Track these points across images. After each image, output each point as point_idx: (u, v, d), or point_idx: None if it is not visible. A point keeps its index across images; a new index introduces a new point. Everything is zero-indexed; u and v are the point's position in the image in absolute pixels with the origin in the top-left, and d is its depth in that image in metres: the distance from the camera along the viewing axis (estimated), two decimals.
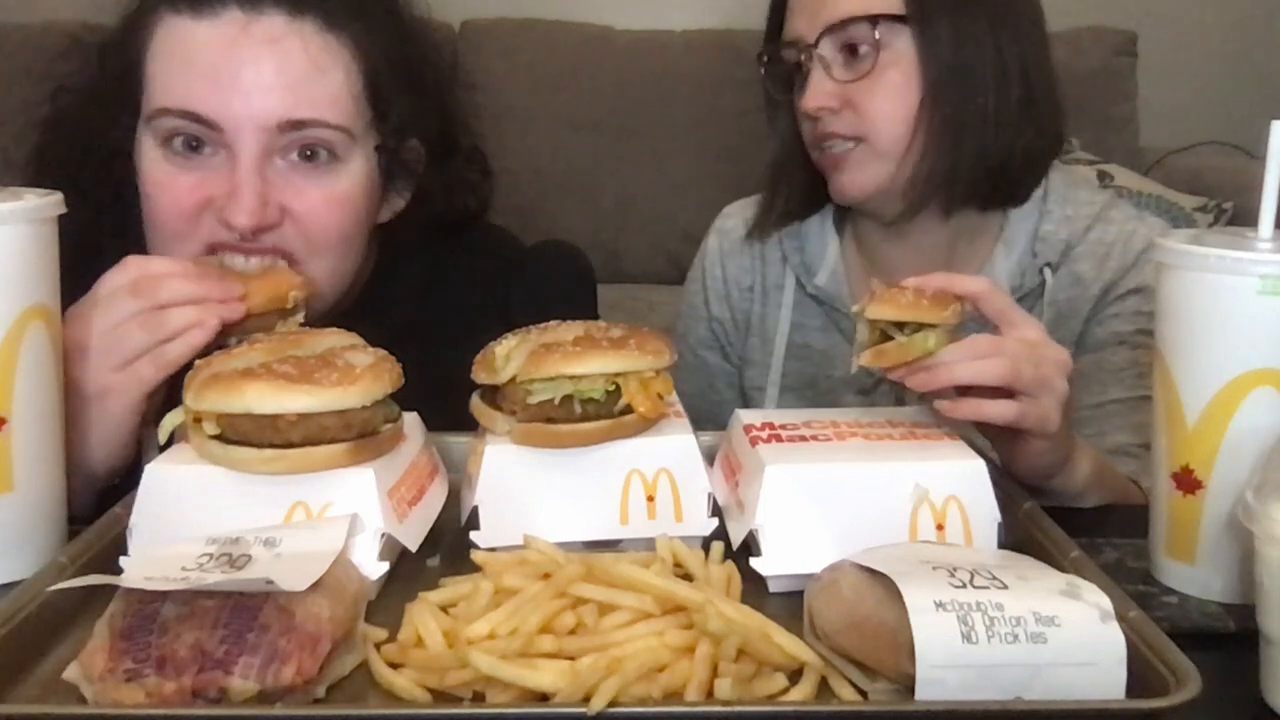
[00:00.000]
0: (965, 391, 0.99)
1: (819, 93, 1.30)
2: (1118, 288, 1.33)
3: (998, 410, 0.98)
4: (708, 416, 1.50)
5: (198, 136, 1.09)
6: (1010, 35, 1.30)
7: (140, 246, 1.14)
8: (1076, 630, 0.70)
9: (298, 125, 1.08)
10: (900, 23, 1.28)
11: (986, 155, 1.29)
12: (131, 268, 1.01)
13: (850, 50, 1.29)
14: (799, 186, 1.43)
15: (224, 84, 1.07)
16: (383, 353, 0.95)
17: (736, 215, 1.54)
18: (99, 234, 1.15)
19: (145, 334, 0.99)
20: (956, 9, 1.28)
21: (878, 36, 1.27)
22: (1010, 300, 1.03)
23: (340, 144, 1.11)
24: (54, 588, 0.81)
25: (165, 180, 1.10)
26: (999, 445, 1.06)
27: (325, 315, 1.17)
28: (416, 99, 1.18)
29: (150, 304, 0.99)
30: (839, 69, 1.30)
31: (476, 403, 0.97)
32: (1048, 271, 1.33)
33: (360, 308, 1.22)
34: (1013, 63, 1.30)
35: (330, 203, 1.11)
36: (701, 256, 1.56)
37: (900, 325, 0.96)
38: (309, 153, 1.10)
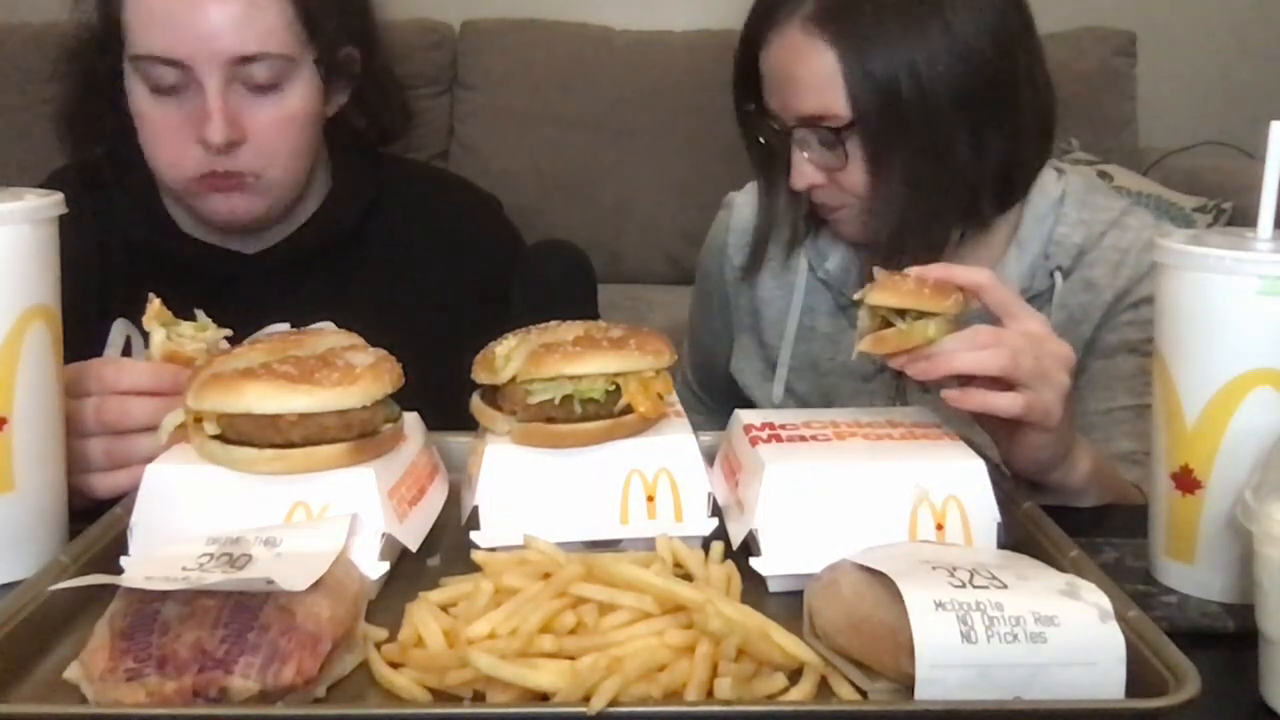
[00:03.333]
0: (967, 382, 0.99)
1: (802, 174, 1.29)
2: (1131, 295, 1.32)
3: (1004, 402, 0.98)
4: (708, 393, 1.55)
5: (171, 78, 1.28)
6: (985, 103, 1.25)
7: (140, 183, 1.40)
8: (1076, 630, 0.70)
9: (249, 59, 1.28)
10: (855, 129, 1.25)
11: (969, 199, 1.28)
12: (98, 383, 1.04)
13: (819, 140, 1.27)
14: (789, 220, 1.43)
15: (185, 30, 1.27)
16: (383, 353, 0.95)
17: (744, 200, 1.52)
18: (104, 173, 1.39)
19: (105, 459, 1.04)
20: (914, 102, 1.23)
21: (845, 137, 1.25)
22: (1012, 293, 1.03)
23: (285, 69, 1.31)
24: (55, 587, 0.81)
25: (154, 115, 1.31)
26: (999, 439, 1.07)
27: (289, 214, 1.41)
28: (342, 14, 1.40)
29: (114, 429, 1.04)
30: (817, 150, 1.28)
31: (476, 403, 0.98)
32: (1058, 275, 1.33)
33: (317, 217, 1.45)
34: (992, 129, 1.26)
35: (281, 121, 1.33)
36: (711, 232, 1.56)
37: (901, 313, 0.96)
38: (261, 82, 1.30)
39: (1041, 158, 1.36)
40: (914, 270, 0.98)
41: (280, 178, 1.35)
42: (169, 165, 1.32)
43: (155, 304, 1.07)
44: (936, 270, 0.99)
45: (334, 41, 1.38)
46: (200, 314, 1.10)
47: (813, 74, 1.25)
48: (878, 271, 0.99)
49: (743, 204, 1.51)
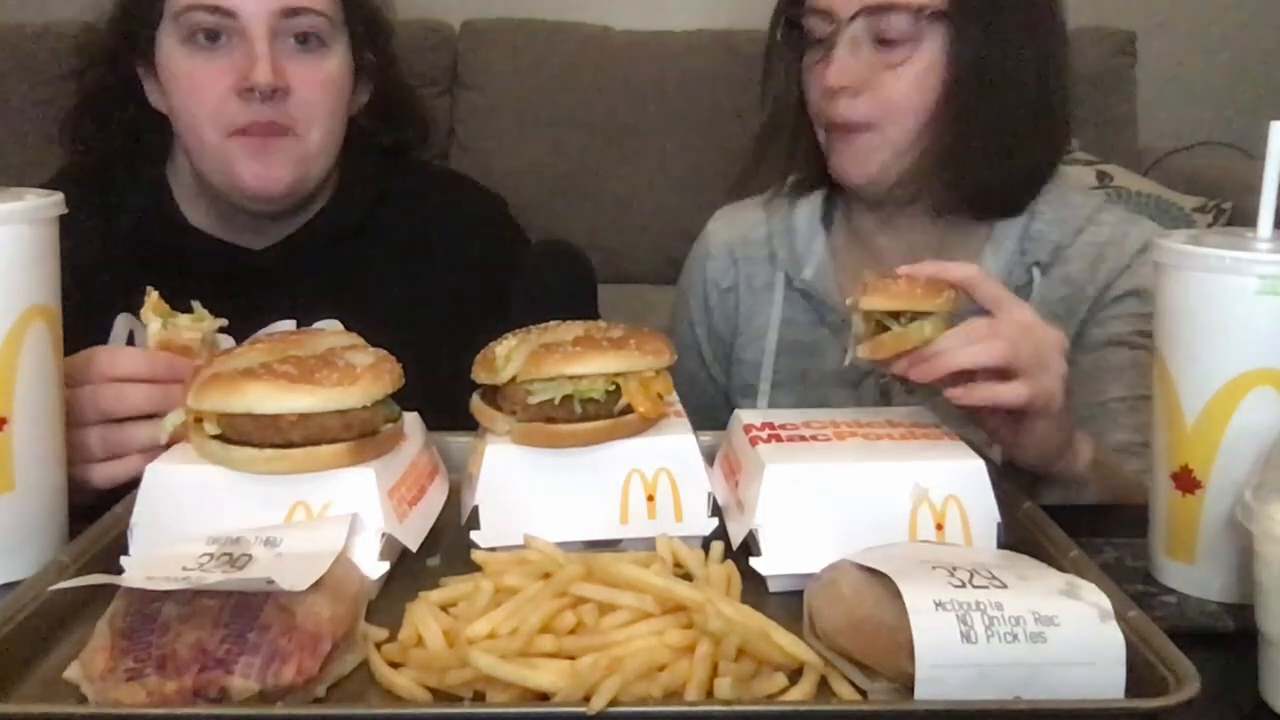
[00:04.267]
0: (968, 379, 0.99)
1: (843, 70, 1.28)
2: (1113, 289, 1.33)
3: (1010, 391, 0.98)
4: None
5: (216, 27, 1.32)
6: (1039, 45, 1.30)
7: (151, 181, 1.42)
8: (1076, 630, 0.70)
9: (295, 11, 1.33)
10: (940, 20, 1.27)
11: (991, 167, 1.29)
12: (94, 371, 1.04)
13: (879, 34, 1.27)
14: (787, 154, 1.43)
15: None
16: (383, 353, 0.95)
17: (724, 219, 1.54)
18: (114, 169, 1.41)
19: (102, 448, 1.04)
20: (995, 11, 1.28)
21: (917, 28, 1.26)
22: (1001, 285, 1.04)
23: (326, 29, 1.36)
24: (55, 587, 0.81)
25: (193, 69, 1.33)
26: (1002, 435, 1.07)
27: (302, 204, 1.43)
28: (372, 16, 1.46)
29: (110, 416, 1.04)
30: (867, 50, 1.28)
31: (477, 403, 0.98)
32: (1036, 271, 1.33)
33: (323, 213, 1.46)
34: (1034, 74, 1.30)
35: (322, 80, 1.37)
36: (689, 258, 1.58)
37: (895, 315, 0.97)
38: (303, 38, 1.35)
39: (1052, 169, 1.36)
40: (904, 270, 0.98)
41: (316, 142, 1.37)
42: (211, 118, 1.33)
43: (153, 296, 1.07)
44: (927, 268, 0.99)
45: (362, 33, 1.42)
46: (196, 305, 1.11)
47: None
48: (868, 275, 0.99)
49: (715, 231, 1.53)
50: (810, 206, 1.46)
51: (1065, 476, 1.09)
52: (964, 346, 0.96)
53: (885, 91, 1.28)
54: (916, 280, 0.97)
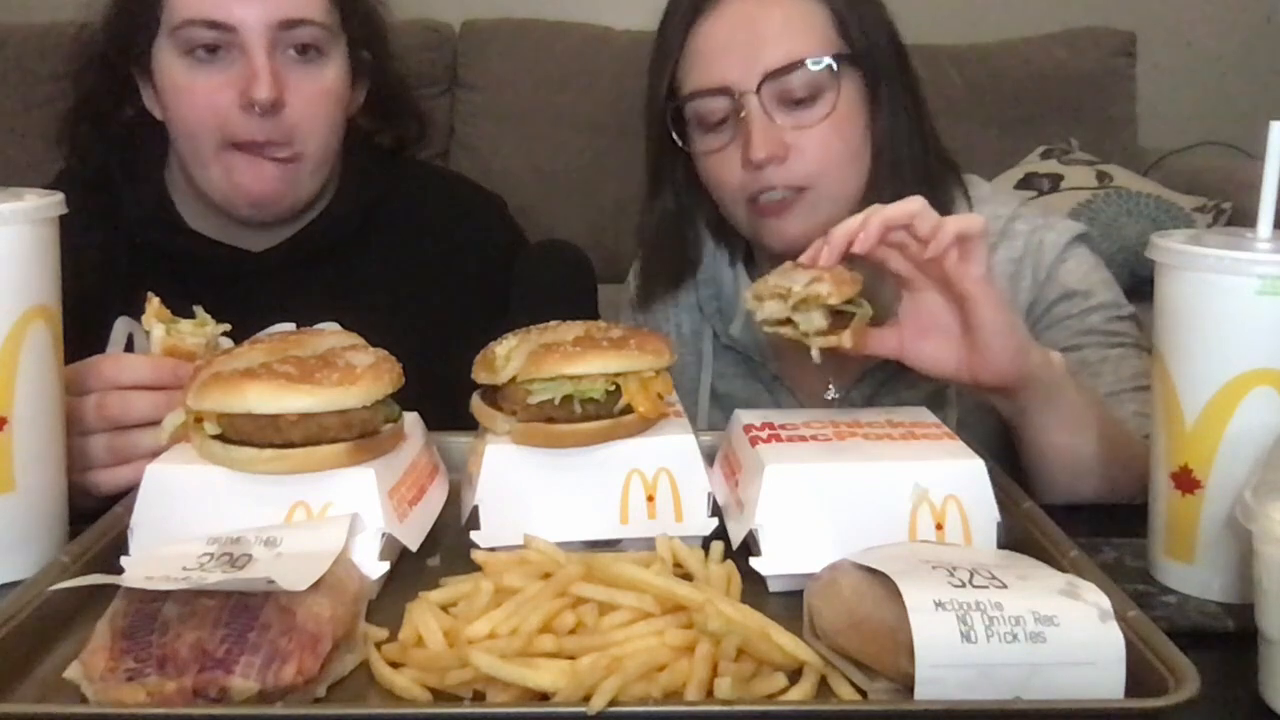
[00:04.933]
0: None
1: (767, 141, 1.23)
2: (1039, 304, 1.31)
3: (914, 204, 0.97)
4: None
5: (215, 42, 1.31)
6: (912, 70, 1.32)
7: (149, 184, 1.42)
8: (1075, 630, 0.71)
9: (293, 23, 1.32)
10: (844, 63, 1.25)
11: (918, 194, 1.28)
12: (98, 378, 1.04)
13: (788, 96, 1.24)
14: (696, 242, 1.40)
15: None
16: (383, 353, 0.95)
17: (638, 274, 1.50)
18: (112, 172, 1.41)
19: (108, 454, 1.05)
20: (879, 41, 1.28)
21: (823, 79, 1.24)
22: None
23: (324, 39, 1.36)
24: (55, 587, 0.81)
25: (192, 82, 1.33)
26: (968, 352, 1.03)
27: (300, 209, 1.42)
28: (367, 15, 1.46)
29: (117, 424, 1.04)
30: (780, 115, 1.25)
31: (477, 403, 0.98)
32: None
33: (323, 215, 1.46)
34: (924, 106, 1.32)
35: (320, 92, 1.37)
36: (621, 308, 1.55)
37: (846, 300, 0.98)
38: (302, 49, 1.34)
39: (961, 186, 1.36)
40: (822, 260, 0.97)
41: (313, 152, 1.37)
42: (208, 131, 1.33)
43: (154, 303, 1.07)
44: (838, 244, 0.97)
45: (359, 35, 1.43)
46: (199, 310, 1.11)
47: (788, 16, 1.25)
48: (794, 272, 0.98)
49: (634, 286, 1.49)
50: (733, 260, 1.42)
51: (1046, 381, 1.05)
52: (881, 211, 0.97)
53: (813, 151, 1.25)
54: (838, 259, 0.97)
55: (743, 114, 1.25)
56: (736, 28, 1.27)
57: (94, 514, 0.95)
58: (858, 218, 0.99)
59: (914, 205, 0.98)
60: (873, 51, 1.28)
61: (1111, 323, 1.30)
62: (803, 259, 0.99)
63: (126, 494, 0.98)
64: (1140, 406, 1.22)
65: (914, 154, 1.30)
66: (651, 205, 1.41)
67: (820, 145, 1.26)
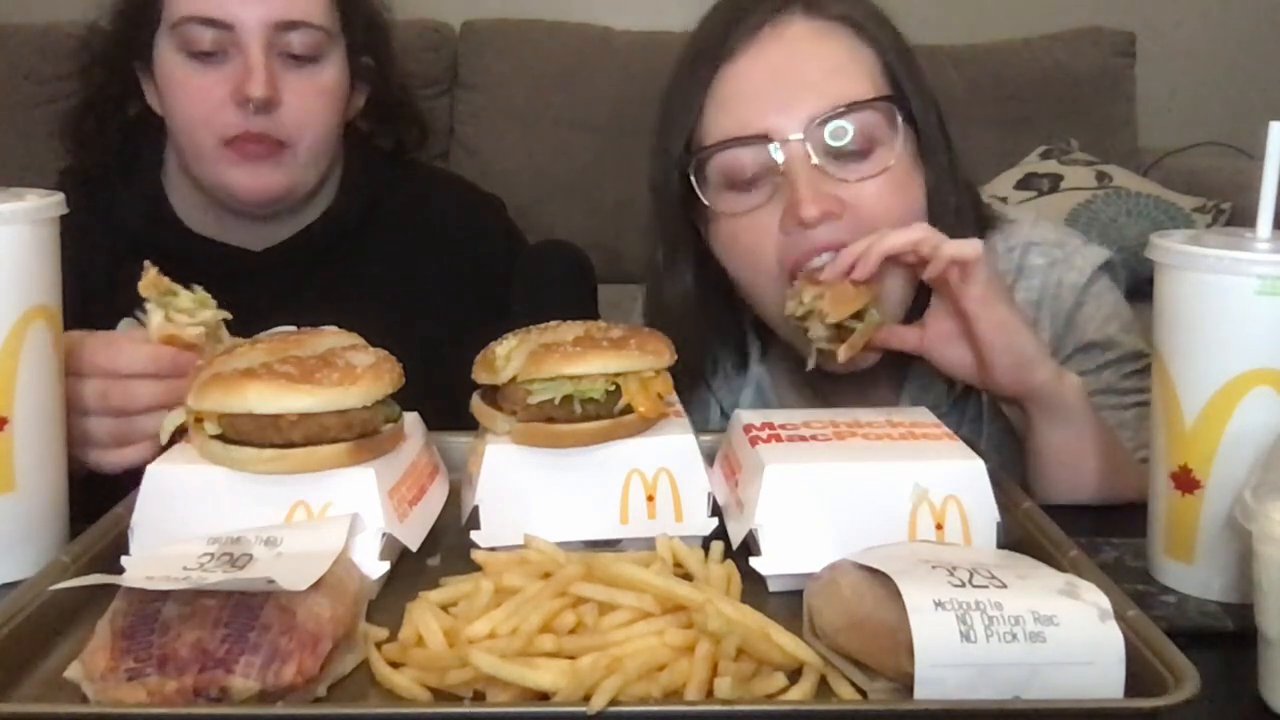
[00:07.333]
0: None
1: (819, 197, 1.08)
2: (1060, 352, 1.24)
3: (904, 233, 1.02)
4: None
5: (213, 40, 1.32)
6: (945, 124, 1.22)
7: (149, 183, 1.44)
8: (1075, 629, 0.71)
9: (291, 25, 1.33)
10: (901, 109, 1.14)
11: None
12: (90, 363, 1.04)
13: (838, 146, 1.11)
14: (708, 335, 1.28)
15: None
16: (383, 353, 0.95)
17: None
18: (110, 173, 1.42)
19: (111, 438, 1.05)
20: (928, 92, 1.19)
21: (888, 126, 1.11)
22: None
23: (322, 41, 1.37)
24: (55, 587, 0.81)
25: (189, 78, 1.34)
26: (983, 364, 1.06)
27: (300, 208, 1.44)
28: (370, 20, 1.47)
29: (121, 413, 1.04)
30: (832, 166, 1.11)
31: (477, 403, 0.98)
32: None
33: (323, 216, 1.47)
34: (956, 151, 1.22)
35: (316, 92, 1.37)
36: None
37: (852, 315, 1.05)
38: (299, 51, 1.35)
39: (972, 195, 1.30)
40: (830, 274, 1.04)
41: (309, 151, 1.38)
42: (205, 126, 1.34)
43: (151, 272, 1.05)
44: (851, 261, 1.03)
45: (361, 40, 1.44)
46: (198, 289, 1.10)
47: (836, 56, 1.13)
48: (803, 288, 1.05)
49: None
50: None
51: (1056, 395, 1.05)
52: (883, 237, 1.01)
53: (869, 208, 1.11)
54: (845, 274, 1.03)
55: (783, 167, 1.11)
56: (778, 69, 1.13)
57: (94, 514, 0.95)
58: (862, 243, 1.04)
59: (916, 234, 1.03)
60: (920, 97, 1.18)
61: (1129, 379, 1.25)
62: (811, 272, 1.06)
63: (126, 474, 0.98)
64: None
65: (961, 205, 1.21)
66: (669, 281, 1.26)
67: (878, 202, 1.12)
